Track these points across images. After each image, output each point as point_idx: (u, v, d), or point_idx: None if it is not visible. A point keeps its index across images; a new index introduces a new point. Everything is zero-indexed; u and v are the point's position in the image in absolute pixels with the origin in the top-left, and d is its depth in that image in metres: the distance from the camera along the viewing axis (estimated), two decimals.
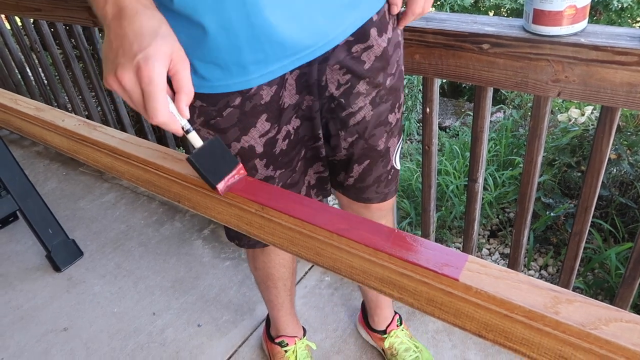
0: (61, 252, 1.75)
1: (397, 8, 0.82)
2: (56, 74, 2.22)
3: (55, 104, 2.37)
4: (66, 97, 2.30)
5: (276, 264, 1.12)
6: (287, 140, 0.83)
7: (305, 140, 0.87)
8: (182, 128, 0.57)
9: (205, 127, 0.79)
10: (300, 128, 0.84)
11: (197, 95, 0.75)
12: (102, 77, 0.56)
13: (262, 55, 0.70)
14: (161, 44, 0.54)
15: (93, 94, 2.13)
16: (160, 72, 0.53)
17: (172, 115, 0.55)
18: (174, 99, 0.56)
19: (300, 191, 0.93)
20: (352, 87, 0.81)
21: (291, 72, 0.76)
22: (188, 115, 0.57)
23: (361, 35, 0.77)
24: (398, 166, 0.98)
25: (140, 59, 0.52)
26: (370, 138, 0.88)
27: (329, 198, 2.54)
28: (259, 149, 0.81)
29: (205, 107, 0.77)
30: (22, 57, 2.32)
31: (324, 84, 0.80)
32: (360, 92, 0.82)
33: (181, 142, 2.27)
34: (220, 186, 0.59)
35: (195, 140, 0.59)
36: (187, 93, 0.56)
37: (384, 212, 1.05)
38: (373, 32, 0.78)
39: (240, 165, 0.62)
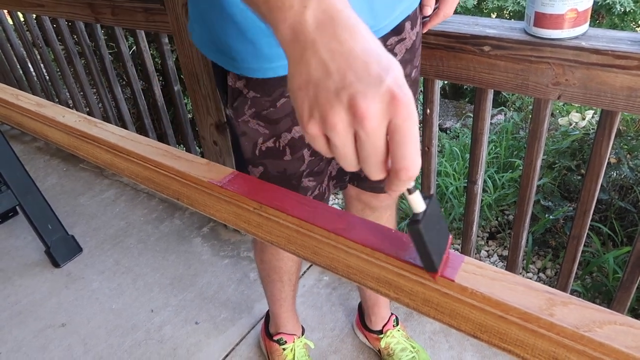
0: (60, 248, 1.75)
1: (430, 9, 0.84)
2: (58, 69, 2.23)
3: (57, 100, 2.37)
4: (67, 93, 2.30)
5: (284, 256, 1.12)
6: None
7: None
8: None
9: (255, 118, 0.77)
10: None
11: (252, 85, 0.73)
12: (300, 117, 0.38)
13: None
14: (397, 62, 0.37)
15: (94, 90, 2.13)
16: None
17: None
18: None
19: (322, 181, 0.93)
20: None
21: None
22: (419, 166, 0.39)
23: (397, 28, 0.79)
24: None
25: (391, 84, 0.35)
26: None
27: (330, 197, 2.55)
28: None
29: (259, 99, 0.74)
30: (24, 52, 2.32)
31: None
32: None
33: (182, 140, 2.27)
34: (440, 268, 0.43)
35: (418, 202, 0.40)
36: (417, 135, 0.37)
37: (392, 201, 1.07)
38: (407, 25, 0.80)
39: (450, 236, 0.46)
